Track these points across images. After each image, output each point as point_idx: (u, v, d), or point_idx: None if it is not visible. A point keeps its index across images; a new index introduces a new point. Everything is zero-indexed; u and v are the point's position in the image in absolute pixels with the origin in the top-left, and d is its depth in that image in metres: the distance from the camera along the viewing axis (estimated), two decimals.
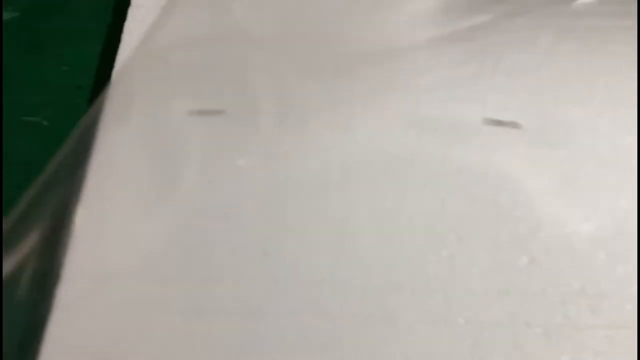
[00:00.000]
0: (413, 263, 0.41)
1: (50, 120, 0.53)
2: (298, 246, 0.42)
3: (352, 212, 0.43)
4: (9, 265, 0.40)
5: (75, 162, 0.46)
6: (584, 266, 0.40)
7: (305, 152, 0.45)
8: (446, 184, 0.43)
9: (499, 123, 0.44)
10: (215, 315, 0.40)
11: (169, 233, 0.43)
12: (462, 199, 0.43)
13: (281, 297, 0.41)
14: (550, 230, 0.41)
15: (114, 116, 0.46)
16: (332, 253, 0.42)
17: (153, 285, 0.41)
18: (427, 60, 0.48)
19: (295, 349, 0.39)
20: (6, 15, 0.57)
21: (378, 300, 0.40)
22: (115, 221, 0.43)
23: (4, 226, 0.41)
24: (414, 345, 0.39)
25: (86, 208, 0.43)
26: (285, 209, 0.43)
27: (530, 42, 0.49)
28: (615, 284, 0.39)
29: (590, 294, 0.39)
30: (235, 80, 0.48)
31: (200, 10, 0.50)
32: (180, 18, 0.49)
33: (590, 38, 0.49)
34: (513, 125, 0.44)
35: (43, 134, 0.52)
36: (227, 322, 0.40)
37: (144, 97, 0.48)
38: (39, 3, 0.58)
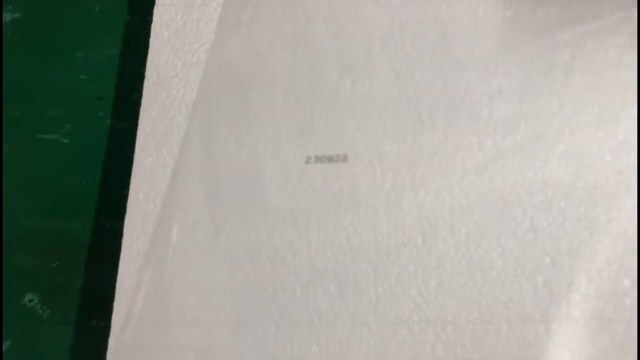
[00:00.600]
0: (509, 293, 0.38)
1: (70, 137, 0.47)
2: (376, 280, 0.38)
3: (433, 237, 0.39)
4: None
5: None
6: None
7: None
8: (533, 200, 0.40)
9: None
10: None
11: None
12: (552, 217, 0.39)
13: (365, 340, 0.37)
14: None
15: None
16: (415, 286, 0.38)
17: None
18: (496, 59, 0.44)
19: None
20: (6, 17, 0.50)
21: (473, 336, 0.37)
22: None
23: None
24: None
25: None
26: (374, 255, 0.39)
27: (602, 41, 0.45)
28: None
29: None
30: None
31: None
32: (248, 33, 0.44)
33: None
34: (624, 146, 0.40)
35: (64, 154, 0.46)
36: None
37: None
38: (44, 0, 0.51)
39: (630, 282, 0.37)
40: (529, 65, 0.45)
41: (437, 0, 0.47)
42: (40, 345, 0.41)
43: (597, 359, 0.36)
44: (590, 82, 0.44)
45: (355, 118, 0.44)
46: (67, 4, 0.51)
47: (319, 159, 0.42)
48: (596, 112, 0.43)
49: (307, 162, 0.42)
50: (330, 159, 0.42)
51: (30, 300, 0.42)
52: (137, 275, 0.39)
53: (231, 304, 0.38)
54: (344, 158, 0.43)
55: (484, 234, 0.39)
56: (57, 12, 0.50)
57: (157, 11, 0.46)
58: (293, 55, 0.45)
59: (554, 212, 0.40)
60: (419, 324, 0.37)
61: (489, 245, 0.39)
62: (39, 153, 0.46)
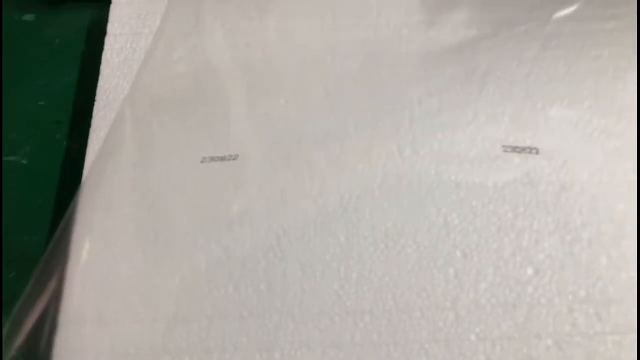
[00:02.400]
0: (421, 283, 0.41)
1: (29, 158, 0.51)
2: (303, 277, 0.42)
3: (355, 236, 0.43)
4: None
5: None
6: (588, 273, 0.41)
7: (306, 187, 0.45)
8: (446, 200, 0.43)
9: (517, 149, 0.44)
10: (224, 353, 0.40)
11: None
12: (464, 215, 0.43)
13: (290, 331, 0.40)
14: (552, 239, 0.42)
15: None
16: (337, 278, 0.41)
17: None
18: (418, 75, 0.48)
19: None
20: None
21: (388, 324, 0.40)
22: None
23: None
24: None
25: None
26: (289, 244, 0.43)
27: (516, 53, 0.49)
28: (620, 288, 0.40)
29: (596, 301, 0.40)
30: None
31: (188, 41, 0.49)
32: (166, 52, 0.48)
33: (574, 44, 0.49)
34: (530, 150, 0.44)
35: (23, 174, 0.50)
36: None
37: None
38: (7, 32, 0.55)
39: (533, 271, 0.41)
40: (448, 80, 0.49)
41: (364, 24, 0.52)
42: None
43: (501, 340, 0.39)
44: (503, 93, 0.48)
45: (290, 132, 0.48)
46: (30, 37, 0.55)
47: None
48: (507, 120, 0.47)
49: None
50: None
51: None
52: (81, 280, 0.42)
53: (169, 302, 0.41)
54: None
55: (401, 232, 0.43)
56: (21, 44, 0.55)
57: (108, 40, 0.51)
58: (232, 78, 0.49)
59: (465, 210, 0.43)
60: (340, 315, 0.40)
61: (406, 241, 0.42)
62: (1, 174, 0.50)
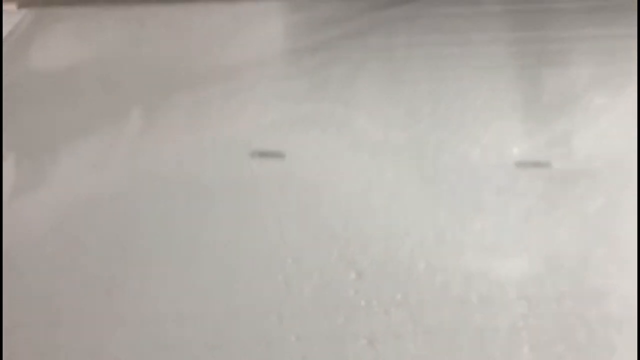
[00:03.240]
0: (252, 288, 0.43)
1: None
2: (142, 283, 0.44)
3: (195, 242, 0.45)
4: None
5: None
6: (406, 277, 0.43)
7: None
8: (283, 210, 0.46)
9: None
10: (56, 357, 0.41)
11: None
12: (299, 223, 0.46)
13: (125, 336, 0.42)
14: (378, 246, 0.44)
15: None
16: (175, 286, 0.44)
17: None
18: (267, 89, 0.52)
19: None
20: None
21: (217, 329, 0.42)
22: None
23: None
24: None
25: None
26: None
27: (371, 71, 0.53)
28: (435, 291, 0.42)
29: (412, 303, 0.42)
30: None
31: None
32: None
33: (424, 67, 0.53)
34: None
35: None
36: None
37: None
38: None
39: (356, 275, 0.43)
40: (299, 103, 0.53)
41: (230, 51, 0.56)
42: None
43: (319, 341, 0.41)
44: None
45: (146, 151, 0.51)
46: None
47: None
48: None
49: None
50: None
51: None
52: None
53: None
54: None
55: (239, 242, 0.45)
56: None
57: None
58: (98, 96, 0.53)
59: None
60: (175, 320, 0.43)
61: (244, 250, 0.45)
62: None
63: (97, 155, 0.48)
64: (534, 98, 0.52)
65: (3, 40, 0.54)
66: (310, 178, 0.47)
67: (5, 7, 0.59)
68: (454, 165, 0.48)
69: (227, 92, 0.52)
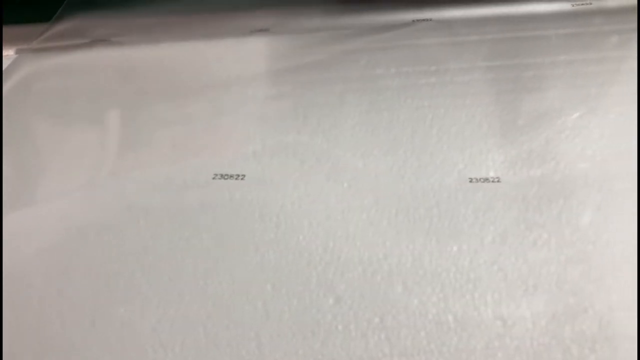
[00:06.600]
0: (231, 316, 0.44)
1: None
2: (125, 312, 0.45)
3: (176, 270, 0.46)
4: None
5: None
6: (384, 300, 0.43)
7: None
8: (262, 237, 0.47)
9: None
10: None
11: None
12: (278, 250, 0.46)
13: None
14: (356, 271, 0.45)
15: None
16: (156, 314, 0.44)
17: None
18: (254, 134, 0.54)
19: None
20: None
21: (197, 356, 0.42)
22: None
23: None
24: None
25: None
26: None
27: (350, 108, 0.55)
28: (410, 314, 0.42)
29: (388, 326, 0.42)
30: None
31: None
32: None
33: (399, 96, 0.55)
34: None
35: None
36: None
37: None
38: None
39: (334, 300, 0.44)
40: (280, 133, 0.54)
41: (214, 88, 0.58)
42: None
43: None
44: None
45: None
46: None
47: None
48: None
49: None
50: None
51: None
52: None
53: None
54: None
55: (219, 270, 0.46)
56: None
57: None
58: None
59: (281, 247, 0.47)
60: (153, 347, 0.43)
61: (223, 277, 0.46)
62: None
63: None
64: (510, 122, 0.53)
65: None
66: (289, 205, 0.48)
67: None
68: (431, 190, 0.49)
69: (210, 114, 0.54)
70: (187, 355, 0.42)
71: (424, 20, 0.59)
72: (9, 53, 0.65)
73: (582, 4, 0.60)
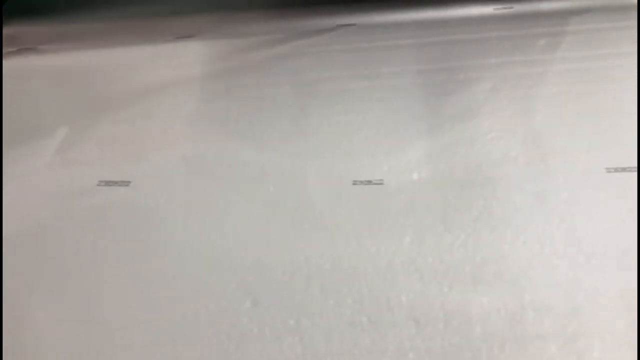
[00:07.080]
0: (149, 323, 0.44)
1: None
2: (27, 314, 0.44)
3: (97, 280, 0.46)
4: None
5: None
6: (300, 303, 0.43)
7: None
8: (184, 244, 0.47)
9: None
10: None
11: None
12: (200, 256, 0.46)
13: None
14: (275, 274, 0.45)
15: None
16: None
17: None
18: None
19: None
20: None
21: None
22: None
23: None
24: None
25: None
26: None
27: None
28: (326, 316, 0.42)
29: (303, 328, 0.42)
30: None
31: None
32: None
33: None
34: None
35: None
36: None
37: None
38: None
39: (251, 303, 0.44)
40: (210, 137, 0.54)
41: (144, 93, 0.58)
42: None
43: None
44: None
45: None
46: None
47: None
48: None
49: None
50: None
51: None
52: None
53: None
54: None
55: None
56: None
57: None
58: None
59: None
60: None
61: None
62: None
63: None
64: (437, 125, 0.53)
65: None
66: (210, 211, 0.48)
67: None
68: (358, 192, 0.49)
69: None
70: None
71: (347, 25, 0.60)
72: None
73: (504, 8, 0.61)
